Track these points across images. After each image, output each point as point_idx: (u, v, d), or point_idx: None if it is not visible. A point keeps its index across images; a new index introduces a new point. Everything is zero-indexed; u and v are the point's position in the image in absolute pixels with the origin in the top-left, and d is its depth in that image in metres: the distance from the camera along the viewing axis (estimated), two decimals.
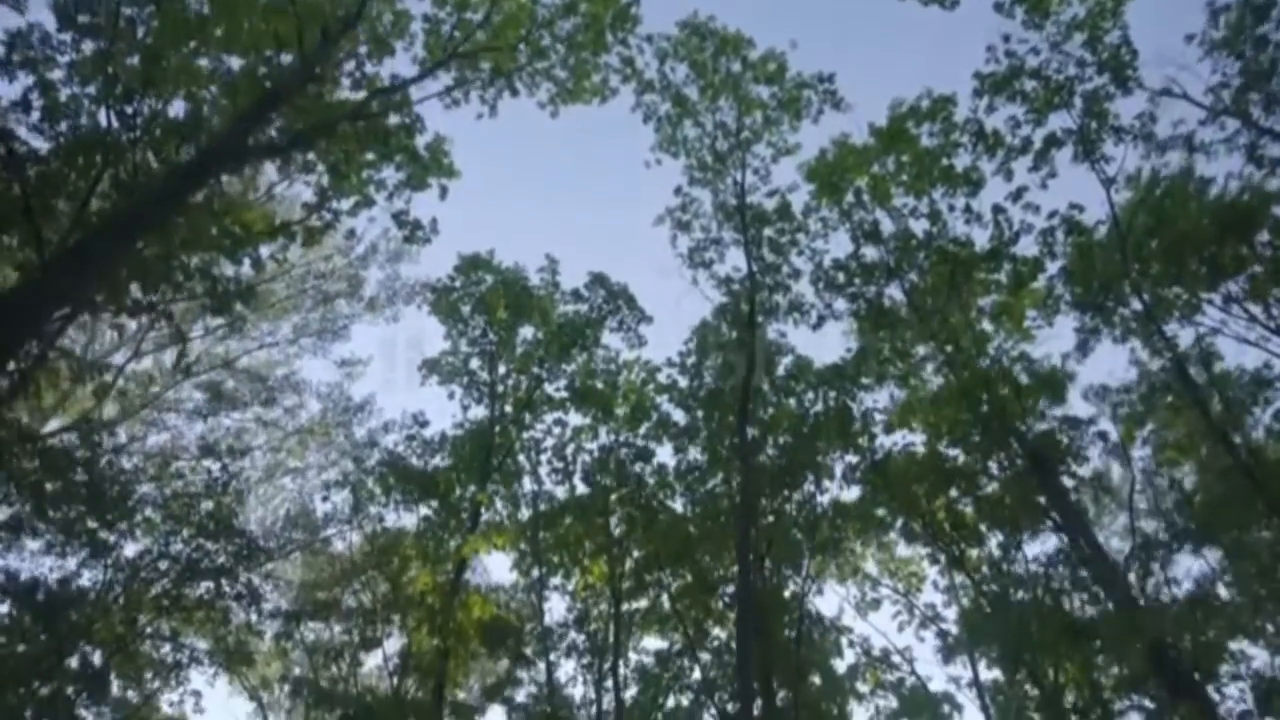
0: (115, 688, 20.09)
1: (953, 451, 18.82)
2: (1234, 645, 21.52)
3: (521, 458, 21.19)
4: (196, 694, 20.20)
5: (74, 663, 18.23)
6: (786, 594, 18.26)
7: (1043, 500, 15.63)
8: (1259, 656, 20.82)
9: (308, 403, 22.17)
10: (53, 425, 19.74)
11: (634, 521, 19.35)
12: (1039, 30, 16.90)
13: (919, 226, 18.93)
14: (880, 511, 18.25)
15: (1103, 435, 16.27)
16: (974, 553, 20.59)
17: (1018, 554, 18.62)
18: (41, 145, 13.13)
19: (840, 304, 19.62)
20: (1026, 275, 18.30)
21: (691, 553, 19.59)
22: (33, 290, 9.95)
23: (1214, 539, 12.67)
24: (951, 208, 18.79)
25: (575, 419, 21.67)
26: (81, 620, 17.76)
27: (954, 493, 19.11)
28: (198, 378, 21.82)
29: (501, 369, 21.02)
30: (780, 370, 20.30)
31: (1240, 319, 17.12)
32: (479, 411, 20.49)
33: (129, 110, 13.77)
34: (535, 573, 20.32)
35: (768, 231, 19.07)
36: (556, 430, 21.33)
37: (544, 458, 21.14)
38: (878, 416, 19.92)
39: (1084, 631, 15.09)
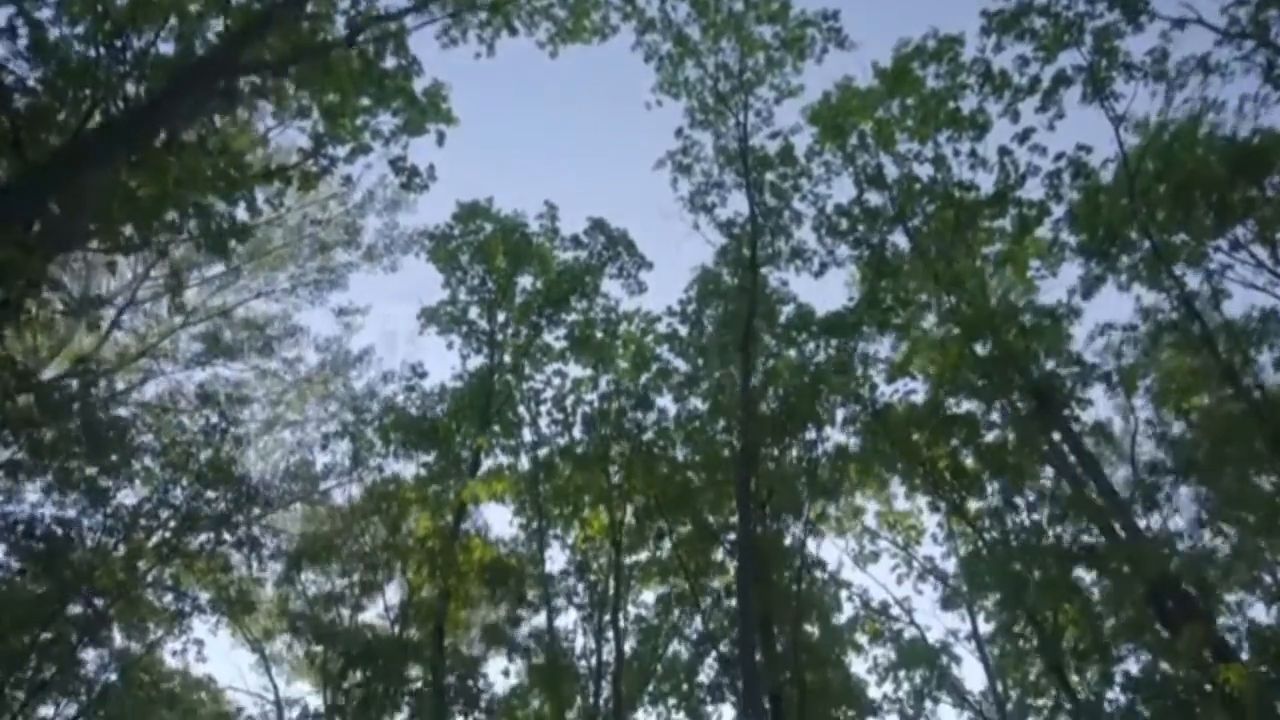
0: (118, 637, 20.31)
1: (955, 400, 18.70)
2: (1231, 597, 21.71)
3: (522, 409, 21.11)
4: (199, 643, 20.37)
5: (76, 609, 18.39)
6: (786, 541, 18.25)
7: (1049, 441, 15.49)
8: (1257, 608, 20.95)
9: (306, 353, 22.04)
10: (50, 374, 19.64)
11: (634, 470, 19.31)
12: None
13: (923, 171, 18.67)
14: (880, 462, 18.08)
15: (1107, 378, 16.15)
16: (974, 506, 20.62)
17: (1019, 501, 18.61)
18: (29, 75, 12.89)
19: (843, 251, 19.43)
20: (1032, 221, 18.08)
21: (692, 501, 19.58)
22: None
23: (1216, 479, 12.56)
24: (957, 152, 18.52)
25: (575, 371, 21.63)
26: (82, 567, 17.84)
27: (955, 441, 19.06)
28: (195, 327, 21.69)
29: (501, 317, 20.86)
30: (781, 319, 20.16)
31: (1248, 264, 16.95)
32: (478, 361, 20.37)
33: (118, 45, 13.49)
34: (535, 523, 20.33)
35: (770, 176, 18.82)
36: (556, 381, 21.27)
37: (544, 409, 21.09)
38: (879, 366, 19.88)
39: (1087, 560, 15.02)
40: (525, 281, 21.43)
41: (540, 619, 18.58)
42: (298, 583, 17.03)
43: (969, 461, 19.79)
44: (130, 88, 13.51)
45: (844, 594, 23.55)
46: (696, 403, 20.52)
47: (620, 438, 20.23)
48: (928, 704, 24.03)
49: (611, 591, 20.85)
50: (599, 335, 21.05)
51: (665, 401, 21.05)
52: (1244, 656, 15.87)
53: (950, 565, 23.99)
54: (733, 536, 19.46)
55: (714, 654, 19.20)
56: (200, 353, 20.56)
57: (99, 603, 18.07)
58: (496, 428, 19.25)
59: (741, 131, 18.75)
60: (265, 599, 22.02)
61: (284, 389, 23.85)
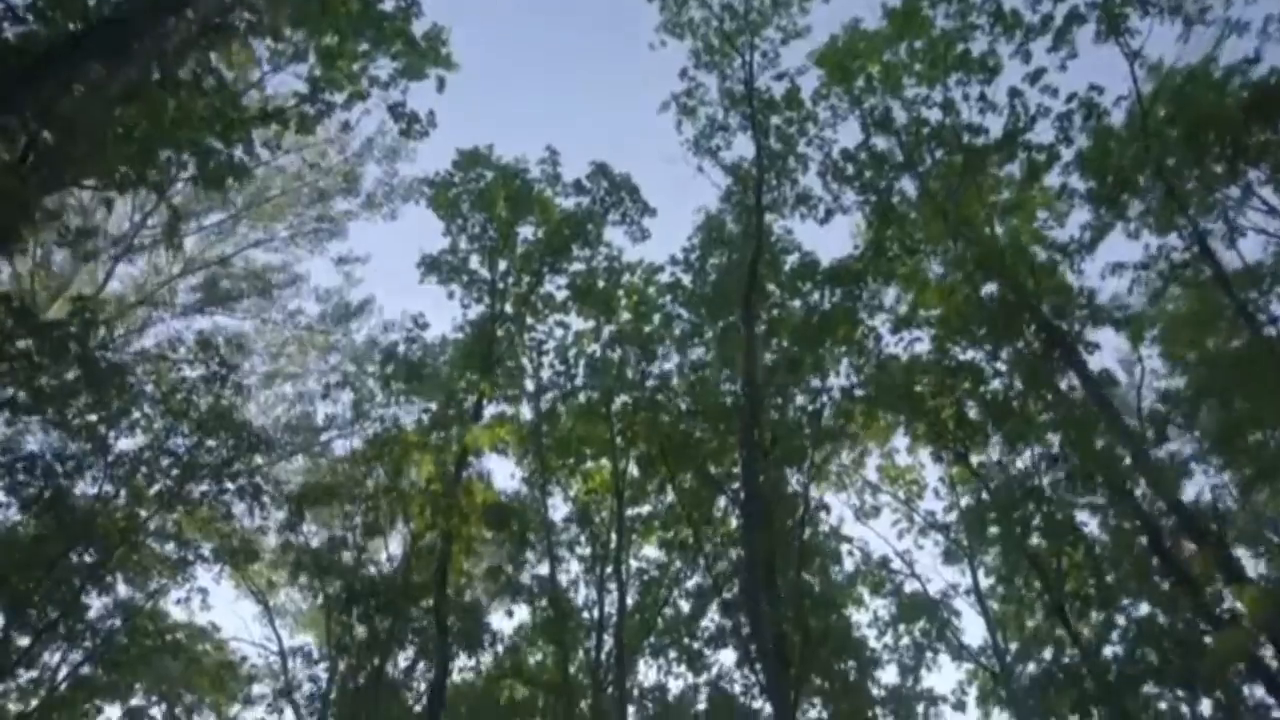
0: (121, 589, 20.33)
1: (960, 348, 18.55)
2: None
3: (525, 361, 20.98)
4: (203, 591, 20.42)
5: (78, 557, 18.38)
6: (790, 488, 18.18)
7: (1057, 383, 15.34)
8: (1253, 567, 20.98)
9: (306, 303, 21.86)
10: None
11: (636, 420, 19.21)
12: None
13: (932, 116, 18.35)
14: (885, 405, 17.94)
15: (1116, 321, 15.97)
16: (976, 461, 20.56)
17: (1023, 453, 18.56)
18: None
19: (849, 198, 19.16)
20: (1040, 165, 17.79)
21: (695, 452, 19.51)
22: None
23: (1225, 409, 12.41)
24: (966, 96, 18.18)
25: (577, 323, 21.46)
26: (83, 513, 17.80)
27: (960, 389, 18.94)
28: (193, 277, 21.49)
29: (502, 265, 20.62)
30: (786, 268, 19.95)
31: (1260, 210, 16.69)
32: (479, 310, 20.18)
33: None
34: (537, 474, 20.27)
35: (775, 120, 18.50)
36: (559, 332, 21.11)
37: (545, 360, 20.97)
38: (884, 317, 19.71)
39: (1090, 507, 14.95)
40: (526, 231, 21.21)
41: (542, 567, 18.59)
42: (300, 530, 16.93)
43: (973, 413, 19.74)
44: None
45: (845, 549, 23.68)
46: (699, 353, 20.42)
47: (623, 388, 20.12)
48: (928, 655, 24.34)
49: (614, 542, 20.89)
50: (601, 285, 20.86)
51: (668, 350, 21.00)
52: None
53: (952, 518, 24.09)
54: (736, 486, 19.45)
55: (717, 601, 19.20)
56: (199, 301, 20.36)
57: (101, 550, 18.07)
58: (499, 375, 19.08)
59: (747, 73, 18.42)
60: (268, 548, 22.08)
61: (284, 341, 23.72)
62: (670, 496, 19.75)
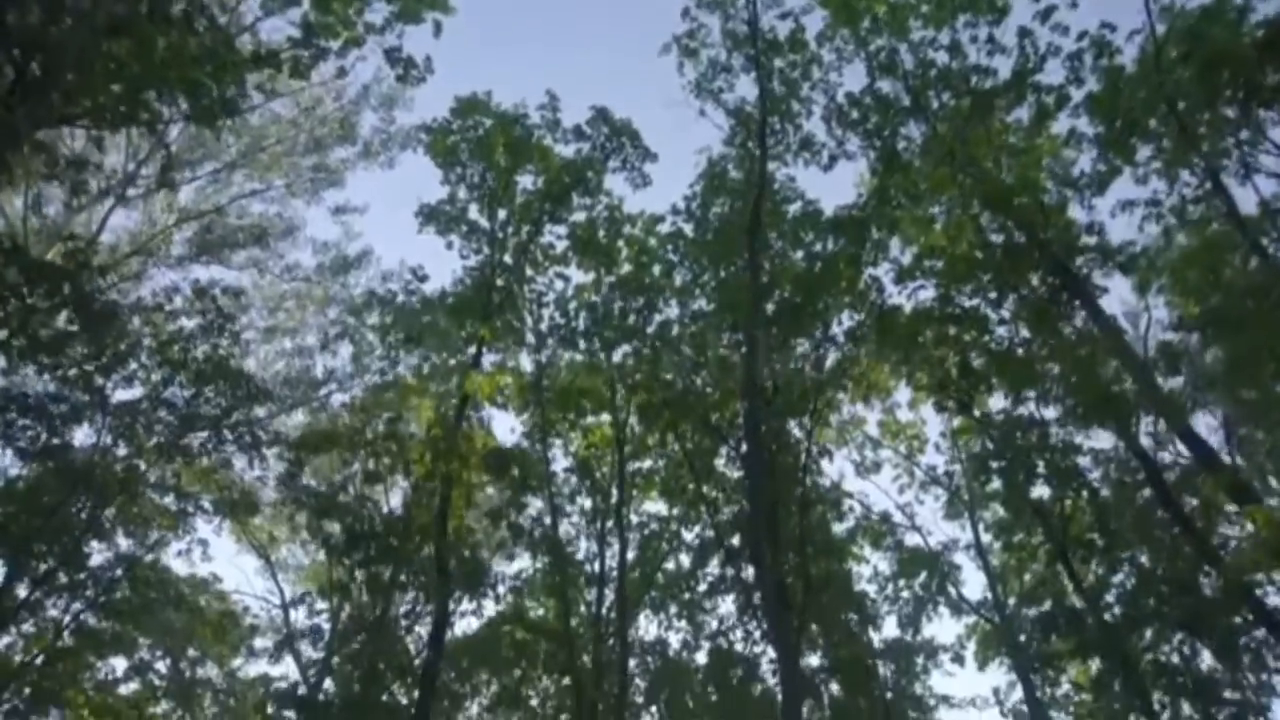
0: (122, 542, 20.32)
1: (965, 297, 18.33)
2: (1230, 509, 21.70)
3: (525, 314, 20.76)
4: (203, 543, 20.40)
5: (77, 506, 18.33)
6: (791, 437, 18.07)
7: (1067, 321, 15.11)
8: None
9: (303, 253, 21.62)
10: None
11: (638, 369, 19.07)
12: None
13: (939, 58, 17.96)
14: (890, 346, 17.74)
15: (1123, 266, 15.74)
16: (980, 410, 20.39)
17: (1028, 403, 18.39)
18: None
19: (853, 144, 18.84)
20: (1050, 108, 17.46)
21: (698, 403, 19.38)
22: None
23: (1236, 338, 12.21)
24: (974, 39, 17.79)
25: (578, 276, 21.23)
26: (83, 463, 17.73)
27: (964, 339, 18.77)
28: (189, 228, 21.23)
29: (501, 214, 20.34)
30: (788, 216, 19.69)
31: (1272, 153, 16.37)
32: (478, 259, 19.93)
33: None
34: (538, 425, 20.15)
35: (779, 63, 18.12)
36: (559, 284, 20.89)
37: (545, 312, 20.77)
38: (886, 267, 19.48)
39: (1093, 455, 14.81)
40: (526, 181, 20.90)
41: (544, 515, 18.51)
42: (300, 478, 16.81)
43: (977, 363, 19.56)
44: None
45: (846, 505, 23.66)
46: (701, 304, 20.23)
47: (623, 339, 19.95)
48: (928, 608, 24.43)
49: (615, 496, 20.83)
50: (602, 236, 20.61)
51: (669, 302, 20.80)
52: None
53: (955, 473, 24.06)
54: (738, 437, 19.33)
55: (719, 550, 19.18)
56: (194, 251, 20.12)
57: (100, 499, 18.01)
58: (498, 324, 18.89)
59: (751, 13, 18.00)
60: (268, 501, 22.05)
61: (282, 294, 23.52)
62: (672, 443, 19.60)
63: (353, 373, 20.07)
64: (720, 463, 20.22)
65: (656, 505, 25.10)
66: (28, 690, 20.14)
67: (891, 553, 25.17)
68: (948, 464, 22.47)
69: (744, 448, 17.86)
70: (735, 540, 19.79)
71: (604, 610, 20.81)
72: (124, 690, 24.28)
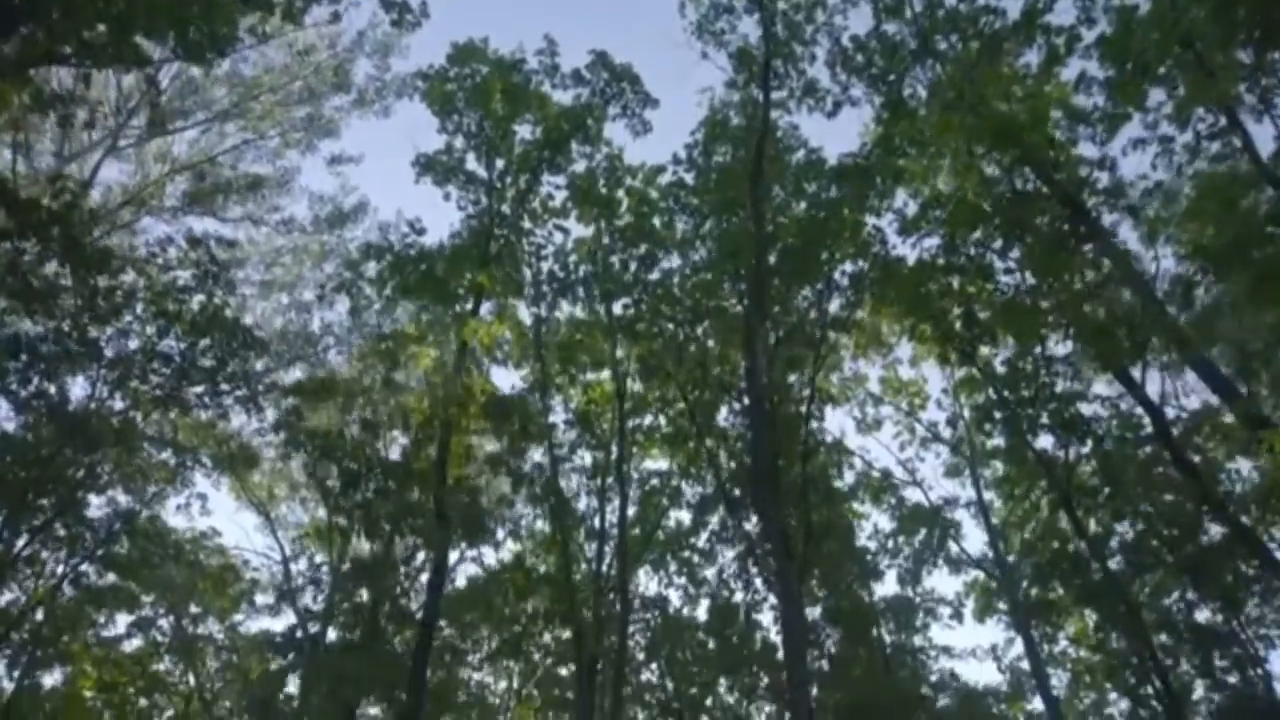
0: (122, 497, 20.24)
1: (972, 246, 18.06)
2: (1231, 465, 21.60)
3: (525, 270, 20.49)
4: (202, 497, 20.30)
5: (74, 457, 18.20)
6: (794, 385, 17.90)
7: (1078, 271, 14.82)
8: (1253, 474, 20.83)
9: (298, 204, 21.30)
10: None
11: (638, 321, 18.86)
12: None
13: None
14: (894, 288, 17.48)
15: (1133, 210, 15.44)
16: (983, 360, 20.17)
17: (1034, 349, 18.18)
18: None
19: (858, 90, 18.45)
20: (1060, 50, 17.04)
21: (700, 355, 19.20)
22: None
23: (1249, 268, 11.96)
24: None
25: (577, 229, 20.93)
26: (78, 411, 17.59)
27: (969, 290, 18.53)
28: (181, 180, 20.88)
29: (499, 164, 20.00)
30: (792, 164, 19.36)
31: None
32: (476, 209, 19.61)
33: None
34: (538, 380, 19.97)
35: (782, 4, 17.68)
36: (558, 237, 20.59)
37: (544, 265, 20.50)
38: (890, 218, 19.19)
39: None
40: (524, 131, 20.53)
41: (545, 467, 18.36)
42: (297, 425, 16.63)
43: (983, 315, 19.34)
44: None
45: (847, 463, 23.59)
46: (702, 255, 19.95)
47: (623, 291, 19.72)
48: (927, 565, 24.46)
49: (615, 450, 20.70)
50: (601, 187, 20.28)
51: (670, 254, 20.52)
52: None
53: (957, 425, 23.94)
54: (739, 388, 19.16)
55: (721, 501, 19.08)
56: (188, 200, 19.80)
57: (96, 448, 17.88)
58: (496, 272, 18.62)
59: None
60: (267, 455, 21.95)
61: (278, 249, 23.23)
62: (673, 395, 19.43)
63: (350, 327, 19.85)
64: (722, 417, 20.11)
65: (657, 463, 25.14)
66: (27, 638, 20.23)
67: (892, 510, 25.20)
68: (950, 418, 22.30)
69: (745, 399, 17.74)
70: (737, 492, 19.72)
71: (604, 566, 20.80)
72: (127, 647, 24.49)
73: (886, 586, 24.66)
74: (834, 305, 17.38)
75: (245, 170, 20.55)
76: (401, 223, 19.58)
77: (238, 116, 20.82)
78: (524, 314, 20.12)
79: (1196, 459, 18.67)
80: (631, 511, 22.36)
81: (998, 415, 17.96)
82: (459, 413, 15.31)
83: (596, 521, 21.64)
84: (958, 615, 24.90)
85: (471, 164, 20.24)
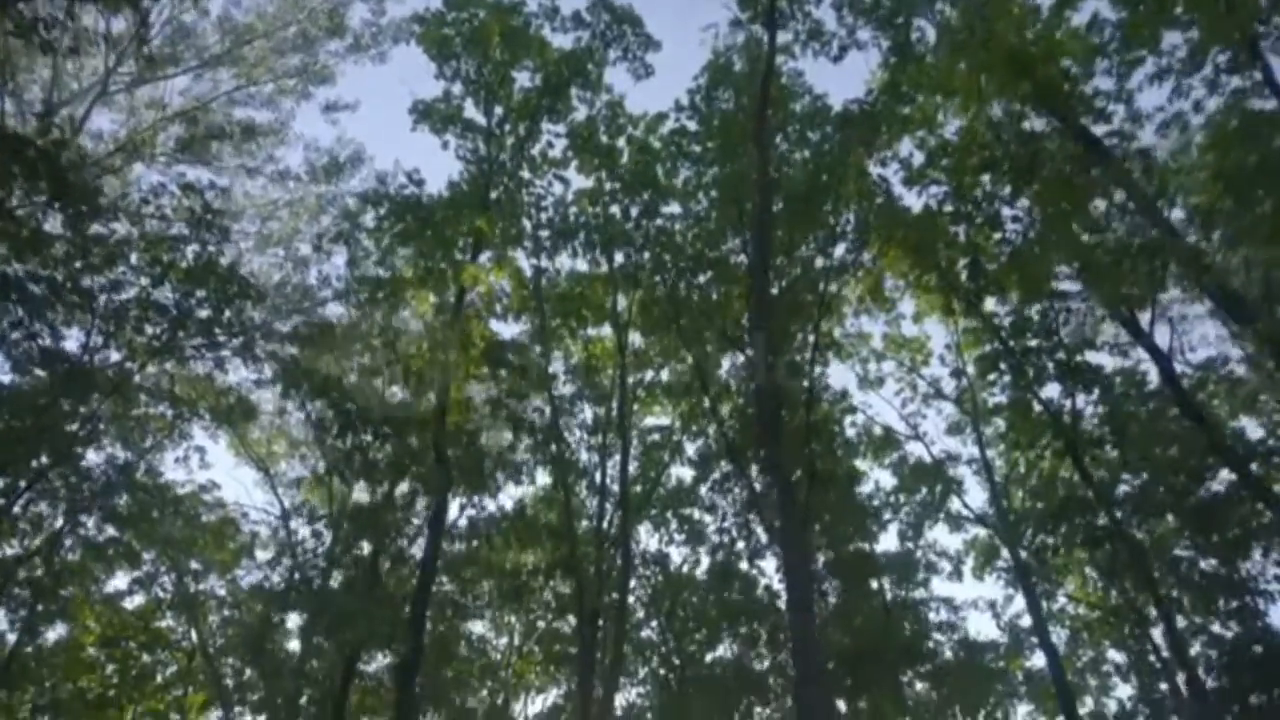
0: (120, 452, 20.08)
1: (979, 191, 17.74)
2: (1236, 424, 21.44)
3: (525, 222, 20.17)
4: (200, 450, 20.17)
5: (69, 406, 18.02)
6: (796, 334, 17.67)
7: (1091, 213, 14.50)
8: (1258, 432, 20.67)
9: (293, 151, 20.87)
10: None
11: (638, 270, 18.61)
12: None
13: None
14: (900, 229, 17.19)
15: (1144, 153, 15.10)
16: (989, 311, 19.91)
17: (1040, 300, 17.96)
18: None
19: (865, 33, 18.01)
20: None
21: (703, 304, 18.97)
22: None
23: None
24: None
25: (578, 181, 20.59)
26: (73, 361, 17.37)
27: (976, 240, 18.26)
28: (173, 128, 20.44)
29: (499, 111, 19.60)
30: (796, 112, 19.00)
31: None
32: (475, 155, 19.24)
33: None
34: (538, 331, 19.76)
35: None
36: (558, 188, 20.26)
37: (544, 216, 20.17)
38: (896, 167, 18.86)
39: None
40: (523, 79, 20.12)
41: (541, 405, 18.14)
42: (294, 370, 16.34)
43: (990, 267, 19.08)
44: None
45: (849, 420, 23.41)
46: (704, 205, 19.64)
47: (624, 241, 19.43)
48: (927, 522, 24.43)
49: (615, 407, 20.53)
50: (602, 135, 19.91)
51: (670, 204, 20.23)
52: None
53: (961, 375, 23.75)
54: (741, 340, 18.94)
55: (723, 445, 18.91)
56: (180, 148, 19.39)
57: (91, 396, 17.70)
58: (496, 219, 18.29)
59: None
60: (265, 408, 21.78)
61: (274, 202, 22.83)
62: (674, 344, 19.22)
63: (348, 278, 19.51)
64: (725, 370, 19.96)
65: (658, 419, 25.02)
66: (29, 594, 20.19)
67: (894, 467, 25.10)
68: (954, 371, 22.10)
69: (748, 349, 17.55)
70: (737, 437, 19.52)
71: (606, 523, 20.73)
72: (129, 604, 24.49)
73: (888, 542, 24.70)
74: (839, 250, 17.04)
75: (238, 113, 20.12)
76: (399, 173, 19.18)
77: (230, 64, 20.35)
78: (524, 265, 19.88)
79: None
80: (633, 469, 22.28)
81: (1003, 366, 17.73)
82: (458, 357, 15.09)
83: (598, 477, 21.61)
84: (957, 573, 24.92)
85: (470, 111, 19.91)
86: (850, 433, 23.44)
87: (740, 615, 19.90)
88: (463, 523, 16.94)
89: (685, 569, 24.83)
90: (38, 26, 11.28)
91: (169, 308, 18.02)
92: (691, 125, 19.04)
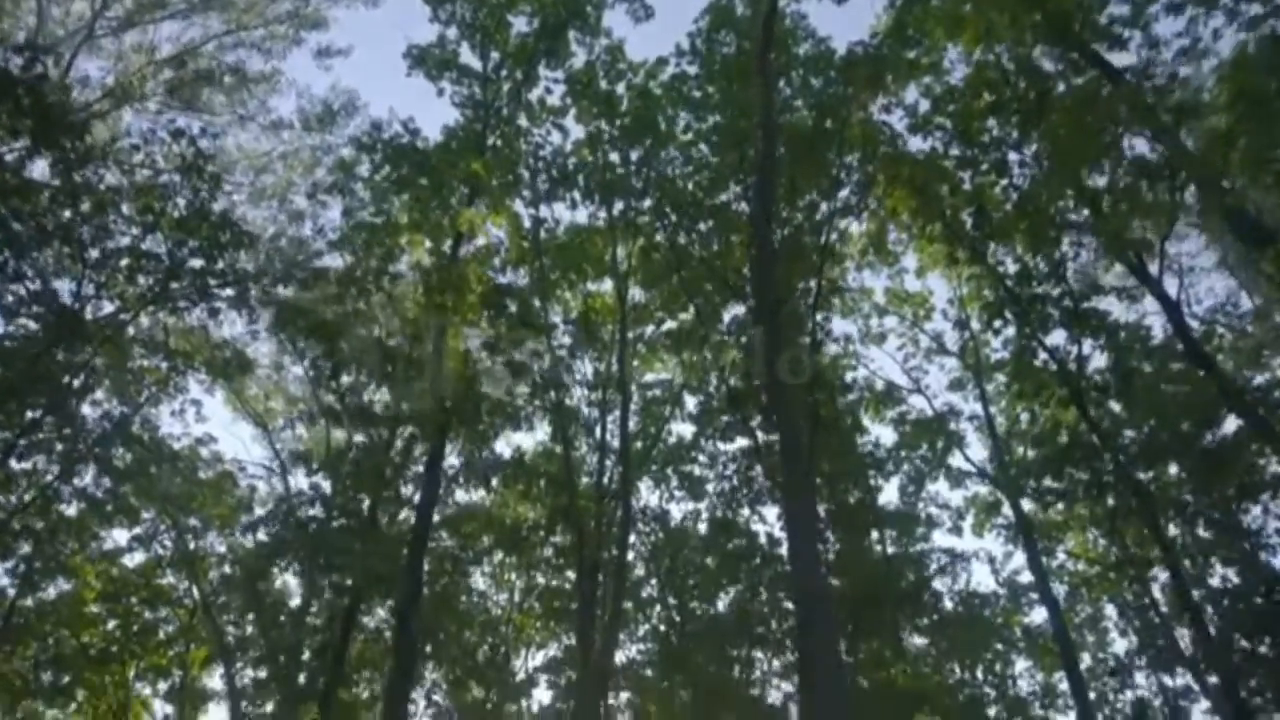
0: (117, 408, 19.90)
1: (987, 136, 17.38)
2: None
3: (524, 171, 19.79)
4: (196, 403, 20.00)
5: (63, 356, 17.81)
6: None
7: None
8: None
9: (285, 99, 20.43)
10: None
11: (639, 216, 18.30)
12: None
13: None
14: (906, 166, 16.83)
15: (1160, 93, 14.70)
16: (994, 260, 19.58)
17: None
18: None
19: None
20: None
21: (703, 249, 18.68)
22: None
23: None
24: None
25: (577, 131, 20.20)
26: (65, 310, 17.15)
27: (982, 185, 17.93)
28: (162, 74, 20.01)
29: (495, 56, 19.16)
30: (800, 54, 18.57)
31: None
32: (471, 99, 18.83)
33: None
34: (537, 282, 19.48)
35: None
36: (556, 138, 19.86)
37: (542, 165, 19.78)
38: (900, 113, 18.48)
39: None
40: (520, 24, 19.65)
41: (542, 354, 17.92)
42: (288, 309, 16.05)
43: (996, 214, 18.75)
44: None
45: (850, 377, 23.20)
46: (706, 151, 19.28)
47: (624, 191, 19.10)
48: (930, 474, 24.33)
49: (615, 362, 20.30)
50: (602, 82, 19.47)
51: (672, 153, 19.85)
52: None
53: (964, 333, 23.53)
54: (743, 289, 18.67)
55: (724, 391, 18.70)
56: (169, 91, 18.98)
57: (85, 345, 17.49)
58: (492, 162, 17.92)
59: None
60: (261, 361, 21.59)
61: (268, 154, 22.44)
62: (673, 290, 18.95)
63: (343, 228, 19.18)
64: (726, 321, 19.69)
65: (659, 375, 24.82)
66: (28, 544, 20.15)
67: (895, 423, 24.95)
68: (957, 323, 21.85)
69: (750, 299, 17.29)
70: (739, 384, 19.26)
71: (606, 479, 20.61)
72: (129, 562, 24.51)
73: (889, 497, 24.61)
74: (843, 193, 16.71)
75: (228, 60, 19.67)
76: (394, 121, 18.76)
77: (220, 8, 19.87)
78: (522, 214, 19.55)
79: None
80: (633, 426, 22.12)
81: (1008, 314, 17.49)
82: (456, 300, 14.83)
83: (598, 432, 21.46)
84: (957, 529, 24.86)
85: (466, 56, 19.47)
86: (852, 378, 23.25)
87: (741, 563, 19.84)
88: (458, 462, 16.74)
89: (686, 524, 24.80)
90: None
91: (161, 257, 17.79)
92: (692, 70, 18.62)
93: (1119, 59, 14.38)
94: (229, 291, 18.22)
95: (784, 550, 17.79)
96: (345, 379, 14.36)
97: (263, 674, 20.33)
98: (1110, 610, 26.40)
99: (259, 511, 23.86)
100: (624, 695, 23.97)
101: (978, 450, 27.37)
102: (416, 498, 15.54)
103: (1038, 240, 17.51)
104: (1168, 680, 22.66)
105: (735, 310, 18.86)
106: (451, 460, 17.93)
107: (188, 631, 25.41)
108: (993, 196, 18.65)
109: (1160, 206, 13.71)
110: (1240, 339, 20.56)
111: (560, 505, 18.42)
